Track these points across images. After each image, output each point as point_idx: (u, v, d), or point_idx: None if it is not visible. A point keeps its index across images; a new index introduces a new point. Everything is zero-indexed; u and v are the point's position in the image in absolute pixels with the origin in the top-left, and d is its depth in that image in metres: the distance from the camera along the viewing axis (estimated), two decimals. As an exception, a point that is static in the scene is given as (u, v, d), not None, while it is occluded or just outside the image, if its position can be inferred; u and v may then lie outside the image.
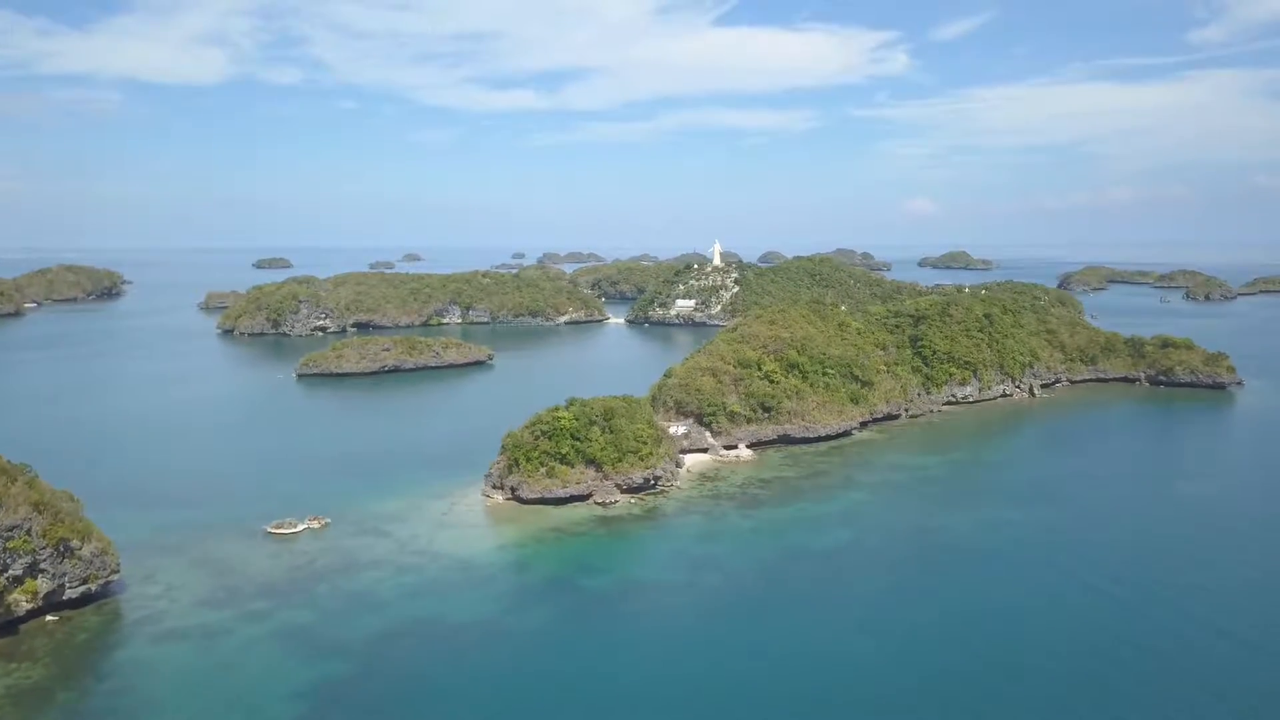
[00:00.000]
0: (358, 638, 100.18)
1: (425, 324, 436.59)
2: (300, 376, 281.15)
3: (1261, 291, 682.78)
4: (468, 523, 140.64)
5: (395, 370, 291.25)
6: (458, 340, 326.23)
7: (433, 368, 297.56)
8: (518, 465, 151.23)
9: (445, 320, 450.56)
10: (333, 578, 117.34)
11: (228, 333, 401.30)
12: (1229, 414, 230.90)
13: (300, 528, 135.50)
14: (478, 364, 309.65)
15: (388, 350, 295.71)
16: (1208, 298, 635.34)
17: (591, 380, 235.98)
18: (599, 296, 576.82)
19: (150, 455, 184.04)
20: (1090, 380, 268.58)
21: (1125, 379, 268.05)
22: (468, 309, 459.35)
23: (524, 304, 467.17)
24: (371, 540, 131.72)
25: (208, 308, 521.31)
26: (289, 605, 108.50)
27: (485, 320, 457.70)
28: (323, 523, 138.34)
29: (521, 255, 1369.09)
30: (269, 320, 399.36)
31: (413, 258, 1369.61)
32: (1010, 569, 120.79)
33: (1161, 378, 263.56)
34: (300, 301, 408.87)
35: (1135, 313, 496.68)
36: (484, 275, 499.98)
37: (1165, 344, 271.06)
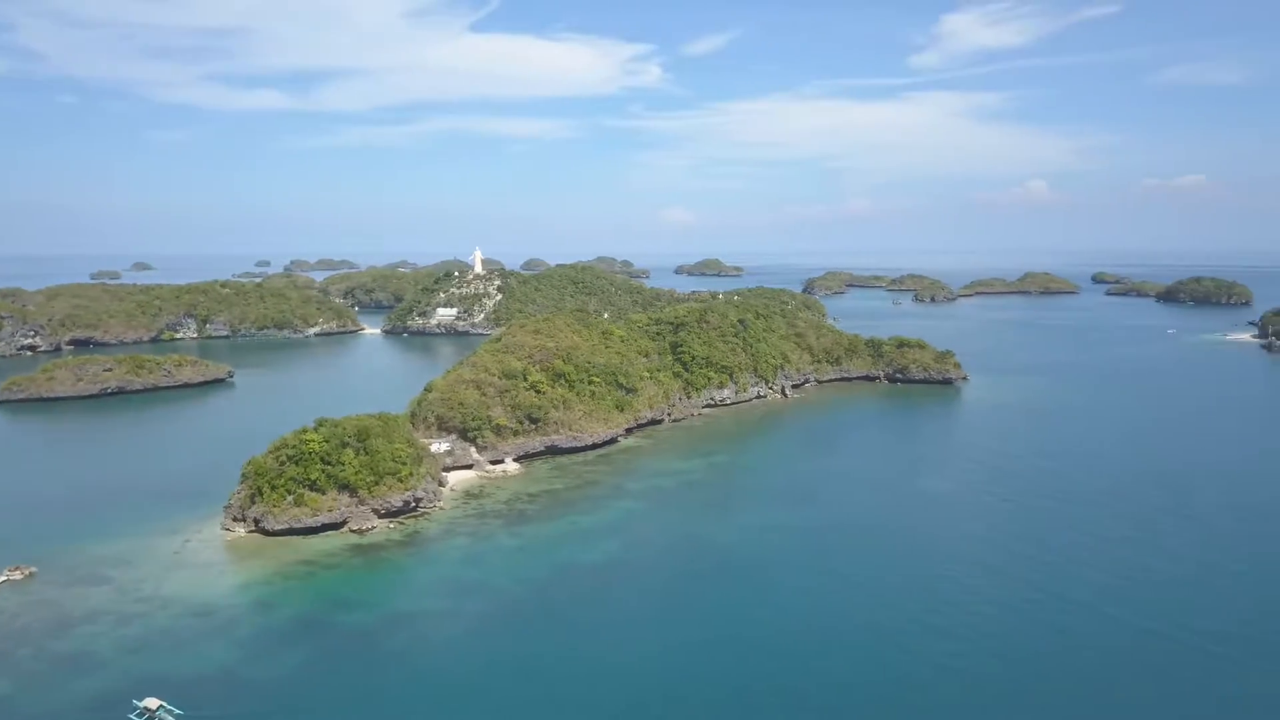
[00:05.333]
0: (68, 707, 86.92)
1: (156, 339, 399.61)
2: (1, 403, 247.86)
3: (977, 293, 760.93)
4: (204, 561, 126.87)
5: (120, 392, 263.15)
6: (193, 357, 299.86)
7: (164, 388, 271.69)
8: (261, 494, 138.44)
9: (179, 335, 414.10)
10: (38, 638, 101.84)
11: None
12: (957, 407, 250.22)
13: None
14: (216, 382, 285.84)
15: (110, 370, 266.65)
16: (933, 299, 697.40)
17: (344, 397, 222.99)
18: (352, 306, 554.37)
19: None
20: (836, 380, 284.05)
21: (867, 377, 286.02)
22: (205, 322, 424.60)
23: (268, 315, 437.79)
24: (87, 589, 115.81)
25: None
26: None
27: (225, 334, 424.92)
28: (26, 572, 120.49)
29: (266, 263, 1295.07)
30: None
31: (142, 266, 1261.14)
32: (773, 578, 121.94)
33: (899, 375, 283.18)
34: (3, 317, 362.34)
35: (872, 315, 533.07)
36: (223, 285, 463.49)
37: (901, 344, 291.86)
